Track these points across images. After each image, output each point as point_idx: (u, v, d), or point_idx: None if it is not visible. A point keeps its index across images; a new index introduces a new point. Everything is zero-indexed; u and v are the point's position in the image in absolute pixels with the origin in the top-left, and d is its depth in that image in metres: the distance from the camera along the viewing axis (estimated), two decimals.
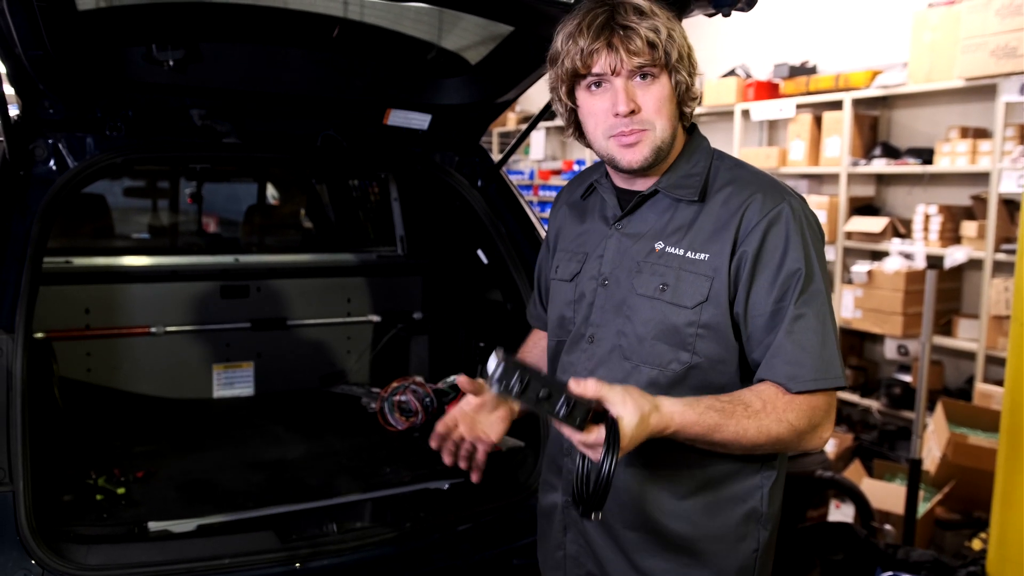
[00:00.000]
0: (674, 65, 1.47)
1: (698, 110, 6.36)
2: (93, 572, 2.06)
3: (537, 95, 1.88)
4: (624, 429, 1.27)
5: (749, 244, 1.46)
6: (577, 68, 1.48)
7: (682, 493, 1.54)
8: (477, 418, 1.76)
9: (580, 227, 1.72)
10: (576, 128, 1.60)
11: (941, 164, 5.00)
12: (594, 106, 1.51)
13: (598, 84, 1.49)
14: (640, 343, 1.53)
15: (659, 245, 1.54)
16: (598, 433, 1.27)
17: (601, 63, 1.45)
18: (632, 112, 1.46)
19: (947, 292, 5.08)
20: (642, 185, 1.58)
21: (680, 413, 1.35)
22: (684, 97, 1.52)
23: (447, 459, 1.80)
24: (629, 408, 1.29)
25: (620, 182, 1.62)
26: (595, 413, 1.30)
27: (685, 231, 1.52)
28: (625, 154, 1.50)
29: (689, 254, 1.50)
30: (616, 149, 1.51)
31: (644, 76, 1.46)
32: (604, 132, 1.51)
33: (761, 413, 1.40)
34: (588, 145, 1.61)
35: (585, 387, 1.29)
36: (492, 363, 1.30)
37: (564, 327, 1.68)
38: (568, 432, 1.30)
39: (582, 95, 1.53)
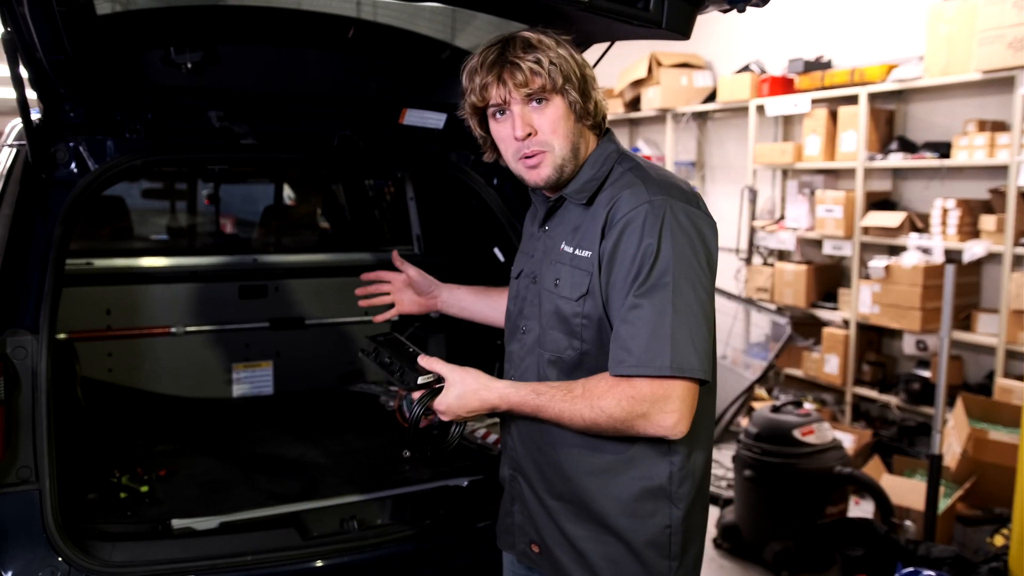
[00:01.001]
0: (563, 88, 1.64)
1: (712, 106, 6.33)
2: (118, 569, 2.08)
3: None
4: (446, 394, 1.66)
5: (608, 241, 1.61)
6: (476, 102, 1.69)
7: (593, 469, 1.68)
8: (404, 288, 2.34)
9: (530, 230, 1.93)
10: (496, 152, 1.79)
11: (959, 158, 4.97)
12: (500, 132, 1.71)
13: (501, 112, 1.69)
14: (544, 333, 1.73)
15: (563, 244, 1.72)
16: (420, 392, 1.68)
17: (495, 95, 1.66)
18: (529, 135, 1.65)
19: (966, 286, 5.04)
20: (560, 192, 1.76)
21: (506, 395, 1.64)
22: (581, 113, 1.68)
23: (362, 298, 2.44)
24: (456, 381, 1.66)
25: (546, 190, 1.79)
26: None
27: (576, 231, 1.70)
28: (530, 174, 1.70)
29: (577, 251, 1.68)
30: (523, 170, 1.70)
31: (539, 101, 1.65)
32: (512, 155, 1.71)
33: (579, 399, 1.58)
34: (507, 166, 1.78)
35: (431, 363, 1.71)
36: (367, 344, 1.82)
37: (510, 319, 1.90)
38: (402, 391, 1.73)
39: (491, 123, 1.73)
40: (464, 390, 1.66)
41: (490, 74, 1.65)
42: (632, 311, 1.55)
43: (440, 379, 1.69)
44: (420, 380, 1.70)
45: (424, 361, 1.72)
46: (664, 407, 1.52)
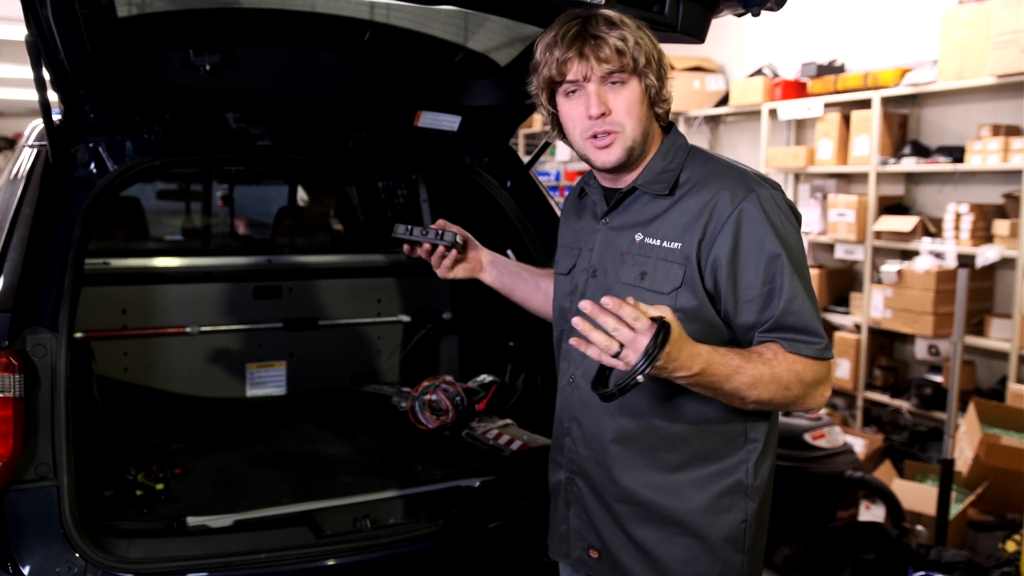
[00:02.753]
0: (642, 70, 1.61)
1: (724, 110, 6.35)
2: (134, 565, 2.10)
3: None
4: (672, 332, 1.37)
5: (724, 237, 1.58)
6: (553, 76, 1.64)
7: (669, 467, 1.66)
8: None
9: (576, 224, 1.88)
10: (560, 131, 1.75)
11: (972, 162, 4.95)
12: (571, 110, 1.66)
13: (574, 90, 1.64)
14: None
15: (639, 236, 1.68)
16: (649, 327, 1.36)
17: (574, 71, 1.61)
18: (603, 115, 1.61)
19: (979, 291, 5.03)
20: (623, 183, 1.73)
21: (708, 351, 1.47)
22: (655, 99, 1.66)
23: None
24: (674, 322, 1.40)
25: (605, 182, 1.77)
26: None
27: (660, 222, 1.66)
28: (599, 155, 1.65)
29: (664, 243, 1.64)
30: (592, 150, 1.66)
31: (615, 81, 1.61)
32: (581, 134, 1.66)
33: (773, 361, 1.53)
34: (571, 145, 1.74)
35: (446, 224, 1.93)
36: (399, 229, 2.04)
37: (564, 317, 1.83)
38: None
39: (561, 100, 1.68)
40: (680, 330, 1.43)
41: (571, 49, 1.59)
42: (793, 301, 1.56)
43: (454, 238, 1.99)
44: (457, 239, 1.99)
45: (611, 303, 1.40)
46: (828, 382, 1.59)
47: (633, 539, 1.70)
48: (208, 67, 2.44)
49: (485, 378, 3.20)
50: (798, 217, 1.66)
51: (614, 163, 1.65)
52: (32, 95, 2.17)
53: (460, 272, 2.10)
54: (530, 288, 2.13)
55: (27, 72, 2.09)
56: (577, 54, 1.59)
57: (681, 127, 7.25)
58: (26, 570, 2.02)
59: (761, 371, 1.51)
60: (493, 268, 2.13)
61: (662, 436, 1.67)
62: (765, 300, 1.57)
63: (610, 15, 1.61)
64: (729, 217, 1.58)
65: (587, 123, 1.63)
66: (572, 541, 1.83)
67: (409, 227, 2.02)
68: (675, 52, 7.18)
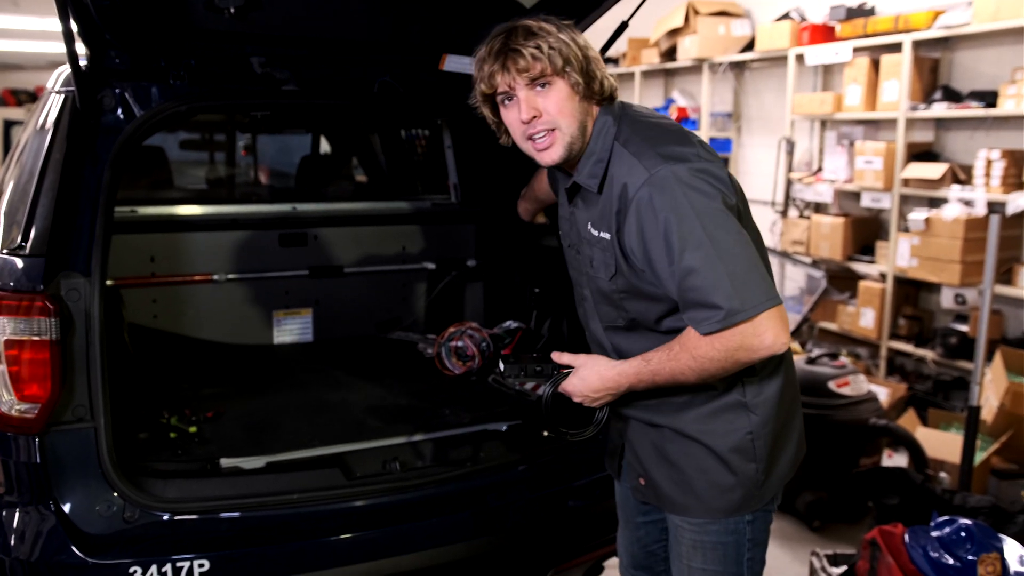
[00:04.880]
0: (562, 70, 1.75)
1: (750, 55, 6.23)
2: (171, 504, 2.16)
3: (592, 38, 1.96)
4: (571, 377, 1.89)
5: (629, 226, 1.74)
6: (485, 89, 1.81)
7: (682, 404, 1.88)
8: None
9: (562, 200, 2.04)
10: (507, 136, 1.91)
11: (1006, 107, 4.84)
12: (508, 117, 1.83)
13: (509, 98, 1.80)
14: (596, 305, 1.95)
15: (588, 225, 1.87)
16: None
17: (500, 82, 1.77)
18: (535, 117, 1.76)
19: (1008, 240, 4.95)
20: (574, 173, 1.88)
21: (623, 369, 1.81)
22: (586, 94, 1.79)
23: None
24: (580, 364, 1.89)
25: (564, 169, 1.92)
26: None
27: (597, 213, 1.84)
28: (541, 156, 1.82)
29: (600, 234, 1.82)
30: (534, 152, 1.83)
31: (543, 85, 1.76)
32: (520, 138, 1.83)
33: (680, 354, 1.72)
34: (523, 149, 1.89)
35: (560, 357, 1.93)
36: (501, 366, 2.05)
37: (574, 283, 2.07)
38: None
39: (501, 110, 1.85)
40: (586, 372, 1.87)
41: (496, 63, 1.76)
42: (688, 278, 1.66)
43: (570, 368, 1.93)
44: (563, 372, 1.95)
45: (557, 356, 1.94)
46: (755, 332, 1.64)
47: (664, 456, 1.93)
48: (232, 10, 2.42)
49: (511, 324, 3.20)
50: (717, 183, 1.72)
51: (556, 161, 1.81)
52: (52, 48, 2.16)
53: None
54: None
55: (47, 24, 2.07)
56: (500, 67, 1.75)
57: (705, 74, 7.20)
58: (67, 508, 2.08)
59: (672, 367, 1.73)
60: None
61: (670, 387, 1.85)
62: (672, 279, 1.70)
63: (529, 25, 1.76)
64: (630, 207, 1.72)
65: (523, 127, 1.79)
66: (627, 471, 2.11)
67: (522, 367, 2.03)
68: None
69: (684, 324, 1.74)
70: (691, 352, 1.70)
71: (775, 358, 1.83)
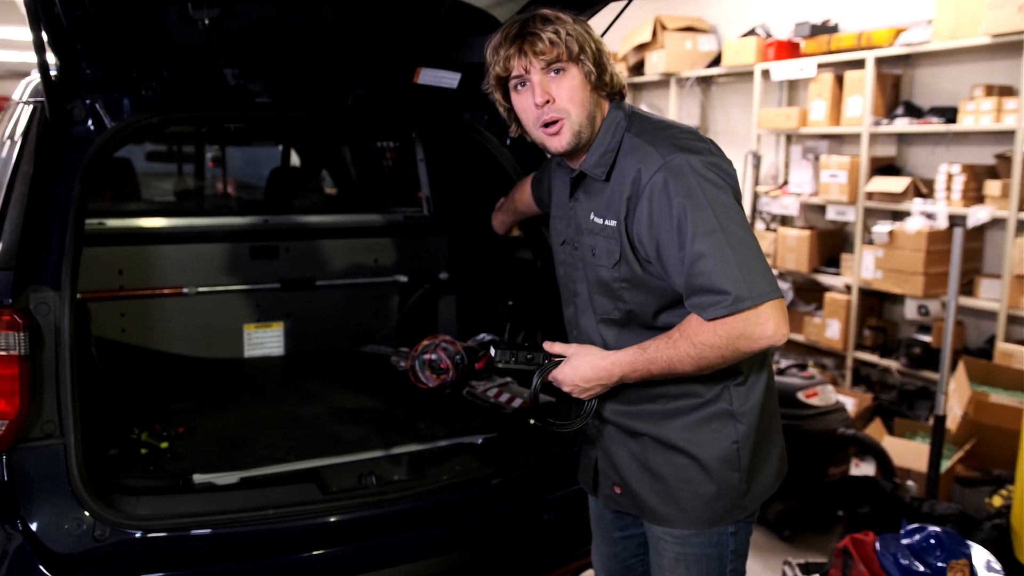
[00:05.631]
0: (578, 57, 1.77)
1: (716, 71, 6.31)
2: (142, 522, 2.12)
3: None
4: (563, 366, 1.87)
5: (641, 211, 1.74)
6: (500, 72, 1.83)
7: (667, 412, 1.87)
8: None
9: (561, 199, 2.05)
10: (517, 123, 1.93)
11: (965, 123, 4.96)
12: (521, 103, 1.85)
13: (522, 84, 1.82)
14: (592, 297, 1.93)
15: (591, 215, 1.88)
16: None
17: (516, 65, 1.79)
18: (548, 102, 1.79)
19: (969, 252, 5.06)
20: (578, 165, 1.90)
21: (618, 359, 1.80)
22: (597, 84, 1.81)
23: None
24: (572, 353, 1.88)
25: (568, 163, 1.95)
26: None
27: (602, 201, 1.85)
28: (551, 141, 1.84)
29: (605, 222, 1.83)
30: (545, 137, 1.84)
31: (557, 71, 1.78)
32: (533, 123, 1.84)
33: (679, 341, 1.71)
34: (529, 137, 1.91)
35: (552, 347, 1.91)
36: (492, 352, 2.01)
37: (562, 284, 2.07)
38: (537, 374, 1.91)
39: (513, 96, 1.87)
40: (579, 360, 1.86)
41: (512, 46, 1.78)
42: (697, 263, 1.67)
43: (562, 357, 1.91)
44: (554, 360, 1.92)
45: (548, 346, 1.93)
46: (758, 321, 1.65)
47: (646, 466, 1.92)
48: (207, 21, 2.40)
49: (484, 337, 3.21)
50: (727, 177, 1.75)
51: (565, 148, 1.83)
52: (11, 57, 2.13)
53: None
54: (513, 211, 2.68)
55: (6, 33, 2.04)
56: (517, 50, 1.77)
57: (672, 88, 7.28)
58: (35, 526, 2.03)
59: (670, 354, 1.72)
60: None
61: (655, 385, 1.86)
62: (680, 265, 1.70)
63: (546, 13, 1.79)
64: (643, 192, 1.73)
65: (535, 112, 1.81)
66: (601, 481, 2.07)
67: (512, 354, 1.99)
68: (667, 12, 7.14)
69: (678, 321, 1.75)
70: (691, 339, 1.69)
71: (761, 365, 1.87)
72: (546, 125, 1.81)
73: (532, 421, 1.96)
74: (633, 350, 1.79)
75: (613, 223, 1.81)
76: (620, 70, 7.72)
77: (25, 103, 2.41)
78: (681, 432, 1.86)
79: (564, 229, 2.02)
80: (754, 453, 1.87)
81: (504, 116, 1.96)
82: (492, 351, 2.01)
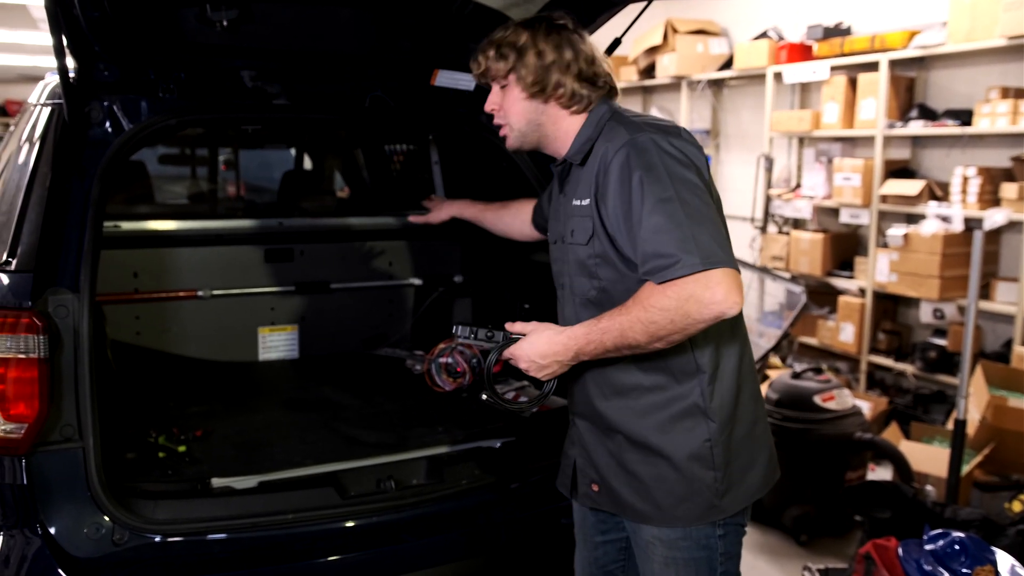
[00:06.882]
0: (509, 75, 1.95)
1: (728, 73, 6.29)
2: (161, 526, 2.11)
3: None
4: (520, 342, 1.90)
5: (605, 187, 1.82)
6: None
7: (640, 408, 1.90)
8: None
9: (554, 200, 2.15)
10: None
11: (980, 125, 4.93)
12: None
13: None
14: (572, 281, 1.98)
15: (573, 199, 1.96)
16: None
17: (478, 78, 2.05)
18: (494, 111, 2.02)
19: (985, 255, 4.92)
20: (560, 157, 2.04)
21: (574, 333, 1.82)
22: (550, 94, 1.94)
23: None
24: (531, 330, 1.90)
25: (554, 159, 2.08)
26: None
27: (581, 185, 1.93)
28: (505, 142, 2.06)
29: (580, 202, 1.91)
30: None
31: (502, 85, 1.98)
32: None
33: (632, 307, 1.73)
34: None
35: (513, 326, 1.95)
36: (455, 328, 2.03)
37: (555, 281, 2.12)
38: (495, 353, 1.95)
39: None
40: (535, 336, 1.89)
41: (472, 63, 2.03)
42: (651, 231, 1.71)
43: (522, 335, 1.93)
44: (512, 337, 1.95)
45: (510, 326, 1.97)
46: (707, 285, 1.65)
47: (622, 465, 1.94)
48: (225, 23, 2.39)
49: (457, 328, 3.19)
50: (692, 158, 1.81)
51: (513, 148, 2.06)
52: (21, 61, 2.12)
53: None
54: (503, 216, 2.69)
55: (17, 37, 2.04)
56: (473, 65, 2.03)
57: (683, 91, 7.26)
58: (53, 530, 2.02)
59: (621, 320, 1.73)
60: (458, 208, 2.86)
61: (626, 378, 1.90)
62: (634, 232, 1.76)
63: (492, 36, 1.99)
64: (609, 168, 1.81)
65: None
66: (579, 479, 2.08)
67: (473, 330, 2.03)
68: (678, 15, 7.12)
69: None
70: (643, 303, 1.71)
71: (732, 358, 1.89)
72: (499, 128, 2.04)
73: (484, 396, 1.97)
74: (589, 322, 1.81)
75: (587, 201, 1.88)
76: (630, 73, 7.70)
77: (43, 105, 2.40)
78: (654, 431, 1.87)
79: (556, 228, 2.09)
80: (734, 455, 1.88)
81: None
82: (455, 328, 2.04)
